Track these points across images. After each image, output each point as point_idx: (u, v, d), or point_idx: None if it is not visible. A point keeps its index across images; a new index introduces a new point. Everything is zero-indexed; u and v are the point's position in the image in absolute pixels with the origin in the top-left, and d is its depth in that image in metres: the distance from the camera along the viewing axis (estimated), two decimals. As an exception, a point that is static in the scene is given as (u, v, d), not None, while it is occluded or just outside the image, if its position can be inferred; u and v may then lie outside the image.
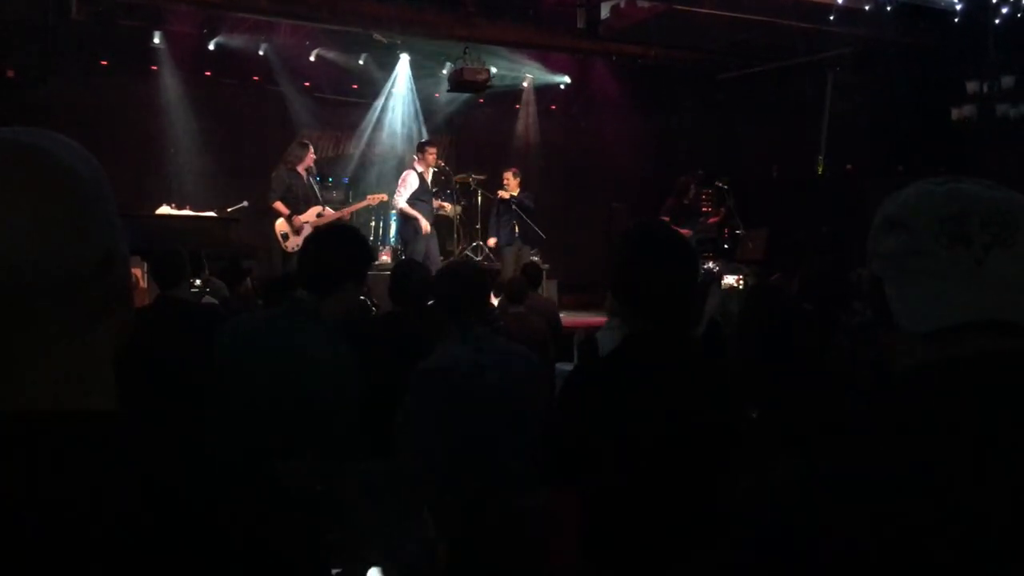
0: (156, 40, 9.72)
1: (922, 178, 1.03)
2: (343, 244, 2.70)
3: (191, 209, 8.20)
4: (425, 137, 10.15)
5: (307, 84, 10.80)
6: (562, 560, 2.03)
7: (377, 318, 4.63)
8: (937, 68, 9.14)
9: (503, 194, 9.07)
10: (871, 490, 0.88)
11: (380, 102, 11.07)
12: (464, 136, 11.94)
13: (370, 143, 11.27)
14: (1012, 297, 0.94)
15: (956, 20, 8.67)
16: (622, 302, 1.99)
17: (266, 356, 2.52)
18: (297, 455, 2.31)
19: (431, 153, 8.74)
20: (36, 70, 8.51)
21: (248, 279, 6.21)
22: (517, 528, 2.44)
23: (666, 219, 8.59)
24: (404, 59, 10.94)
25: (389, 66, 10.98)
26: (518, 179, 9.17)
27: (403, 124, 11.14)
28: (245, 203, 8.39)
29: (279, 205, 7.84)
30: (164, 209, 8.02)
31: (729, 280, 4.91)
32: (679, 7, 8.56)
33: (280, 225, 7.86)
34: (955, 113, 8.97)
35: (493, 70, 10.40)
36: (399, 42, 10.25)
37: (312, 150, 8.33)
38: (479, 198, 9.69)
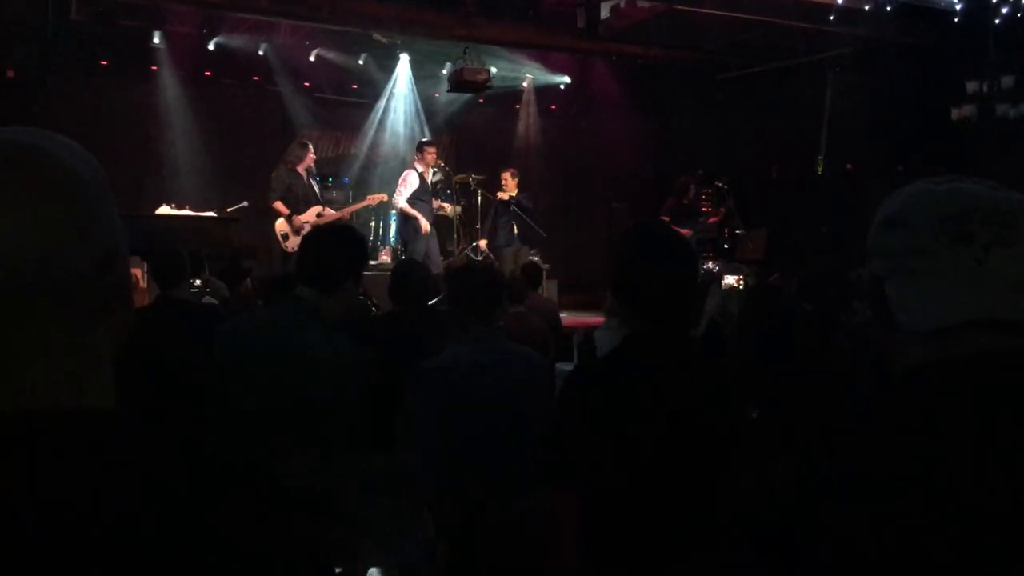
0: (156, 40, 9.71)
1: (922, 178, 1.03)
2: (344, 243, 2.70)
3: (191, 209, 8.20)
4: (427, 137, 10.16)
5: (307, 84, 10.80)
6: (562, 560, 2.03)
7: (377, 318, 4.63)
8: (937, 68, 9.13)
9: (502, 196, 9.08)
10: (871, 490, 0.88)
11: (382, 103, 11.07)
12: (464, 136, 11.94)
13: (371, 144, 11.28)
14: (1012, 296, 0.94)
15: (956, 20, 8.67)
16: (622, 302, 1.99)
17: (267, 355, 2.51)
18: (298, 454, 2.31)
19: (430, 152, 8.74)
20: (36, 70, 8.50)
21: (248, 279, 6.21)
22: (517, 529, 2.44)
23: (666, 219, 8.59)
24: (404, 59, 10.94)
25: (389, 66, 10.98)
26: (516, 179, 9.17)
27: (405, 124, 11.14)
28: (245, 203, 8.39)
29: (279, 205, 7.84)
30: (164, 209, 8.02)
31: (729, 280, 4.91)
32: (679, 7, 8.56)
33: (280, 225, 7.86)
34: (955, 113, 8.97)
35: (493, 70, 10.40)
36: (399, 42, 10.25)
37: (312, 150, 8.33)
38: (479, 198, 9.69)
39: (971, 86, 8.87)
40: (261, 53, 10.20)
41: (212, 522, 0.73)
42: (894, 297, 0.99)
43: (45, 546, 0.66)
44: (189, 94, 10.04)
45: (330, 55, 10.49)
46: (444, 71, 10.73)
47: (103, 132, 8.55)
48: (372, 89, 11.14)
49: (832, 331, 3.82)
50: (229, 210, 8.33)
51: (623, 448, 1.82)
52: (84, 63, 9.15)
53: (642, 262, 1.95)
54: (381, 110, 11.10)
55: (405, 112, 11.15)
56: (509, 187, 9.10)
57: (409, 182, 8.53)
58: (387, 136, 11.17)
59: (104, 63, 9.54)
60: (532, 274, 6.59)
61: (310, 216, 7.89)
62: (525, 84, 11.97)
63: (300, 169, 8.01)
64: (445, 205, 9.31)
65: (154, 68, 9.89)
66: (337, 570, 2.20)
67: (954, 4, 8.64)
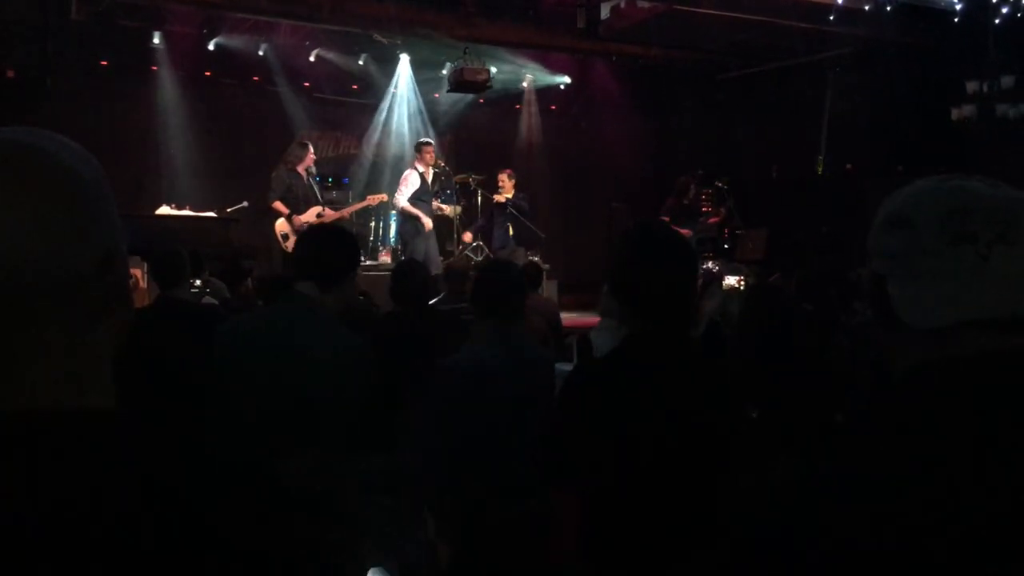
0: (156, 40, 9.72)
1: (923, 177, 1.03)
2: (340, 239, 2.74)
3: (191, 209, 8.20)
4: (430, 136, 10.17)
5: (307, 84, 10.80)
6: (562, 560, 2.03)
7: (377, 318, 4.62)
8: (937, 68, 9.13)
9: (499, 197, 9.07)
10: (871, 490, 0.88)
11: (385, 103, 11.08)
12: (464, 136, 11.94)
13: (377, 144, 11.29)
14: (1014, 295, 0.94)
15: (956, 20, 8.67)
16: (622, 302, 1.99)
17: (269, 353, 2.51)
18: (298, 454, 2.31)
19: (429, 152, 8.75)
20: (36, 70, 8.50)
21: (248, 279, 6.21)
22: (519, 530, 2.44)
23: (666, 219, 8.59)
24: (404, 59, 10.94)
25: (389, 67, 10.98)
26: (513, 181, 9.17)
27: (409, 125, 11.14)
28: (245, 203, 8.39)
29: (278, 205, 7.85)
30: (164, 209, 8.02)
31: (730, 280, 4.91)
32: (679, 7, 8.56)
33: (280, 225, 7.86)
34: (955, 113, 8.96)
35: (493, 70, 10.40)
36: (399, 42, 10.25)
37: (312, 150, 8.34)
38: (479, 198, 9.69)
39: (971, 86, 8.86)
40: (261, 53, 10.20)
41: (212, 522, 0.73)
42: (896, 296, 0.99)
43: (45, 546, 0.66)
44: (189, 94, 10.03)
45: (330, 55, 10.49)
46: (444, 71, 10.73)
47: (103, 132, 8.56)
48: (372, 89, 11.13)
49: (832, 331, 3.81)
50: (229, 210, 8.33)
51: (623, 448, 1.82)
52: (84, 63, 9.15)
53: (642, 262, 1.95)
54: (385, 111, 11.10)
55: (408, 112, 11.15)
56: (506, 188, 9.09)
57: (410, 182, 8.53)
58: (391, 137, 11.17)
59: (104, 63, 9.54)
60: (532, 274, 6.58)
61: (310, 216, 7.89)
62: (525, 84, 11.97)
63: (300, 169, 8.01)
64: (443, 207, 9.30)
65: (154, 68, 9.89)
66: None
67: (954, 4, 8.64)
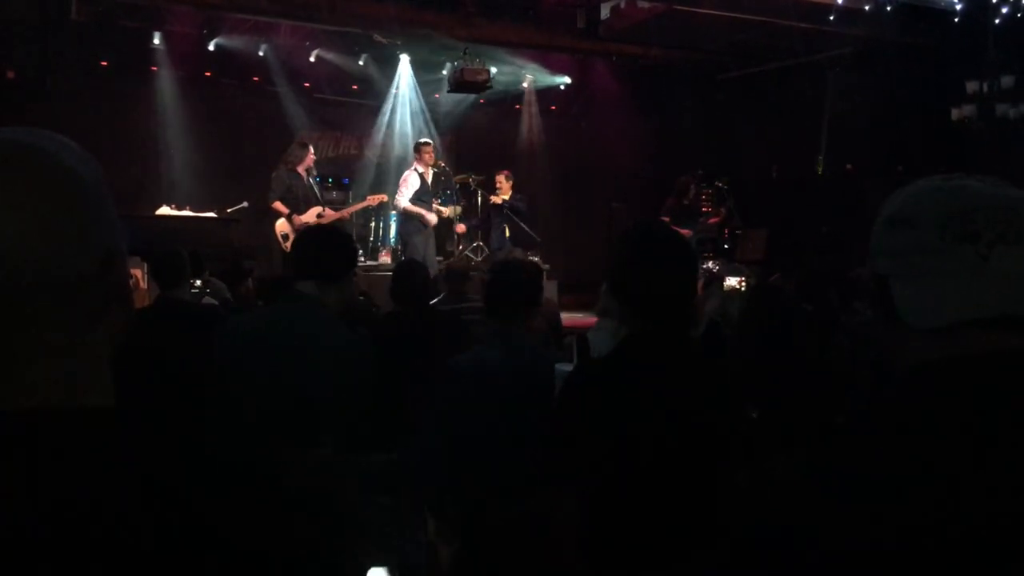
0: (156, 41, 9.71)
1: (924, 177, 1.03)
2: (339, 238, 2.79)
3: (191, 210, 8.19)
4: (430, 137, 10.18)
5: (307, 85, 10.79)
6: (562, 561, 2.03)
7: (378, 318, 4.62)
8: (937, 68, 9.13)
9: (495, 199, 9.07)
10: (871, 490, 0.88)
11: (388, 104, 11.08)
12: (464, 137, 11.94)
13: (376, 145, 11.28)
14: (1017, 293, 0.94)
15: (956, 20, 8.67)
16: (622, 302, 1.99)
17: (272, 351, 2.52)
18: (299, 453, 2.32)
19: (428, 152, 8.75)
20: (36, 71, 8.50)
21: (249, 279, 6.20)
22: (519, 530, 2.44)
23: (666, 219, 8.59)
24: (404, 60, 10.94)
25: (389, 67, 10.98)
26: (510, 182, 9.17)
27: (412, 125, 11.13)
28: (245, 204, 8.39)
29: (278, 205, 7.85)
30: (164, 210, 8.02)
31: (731, 282, 4.90)
32: (679, 7, 8.56)
33: (281, 225, 7.86)
34: (955, 113, 8.96)
35: (493, 70, 10.40)
36: (399, 43, 10.25)
37: (312, 151, 8.34)
38: (479, 198, 9.69)
39: (971, 86, 8.86)
40: (261, 54, 10.20)
41: (212, 522, 0.73)
42: (897, 296, 0.99)
43: (45, 546, 0.66)
44: (189, 95, 10.03)
45: (330, 56, 10.49)
46: (444, 72, 10.72)
47: (103, 133, 8.55)
48: (372, 90, 11.13)
49: (832, 331, 3.81)
50: (229, 211, 8.33)
51: (623, 448, 1.82)
52: (84, 64, 9.15)
53: (642, 262, 1.95)
54: (388, 112, 11.10)
55: (411, 113, 11.15)
56: (503, 189, 9.09)
57: (410, 183, 8.54)
58: (393, 138, 11.17)
59: (104, 64, 9.54)
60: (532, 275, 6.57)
61: (310, 216, 7.89)
62: (525, 85, 11.97)
63: (300, 169, 8.01)
64: (443, 209, 9.31)
65: (154, 69, 9.89)
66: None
67: (954, 4, 8.64)
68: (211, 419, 2.52)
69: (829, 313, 4.04)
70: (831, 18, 8.77)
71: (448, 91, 10.52)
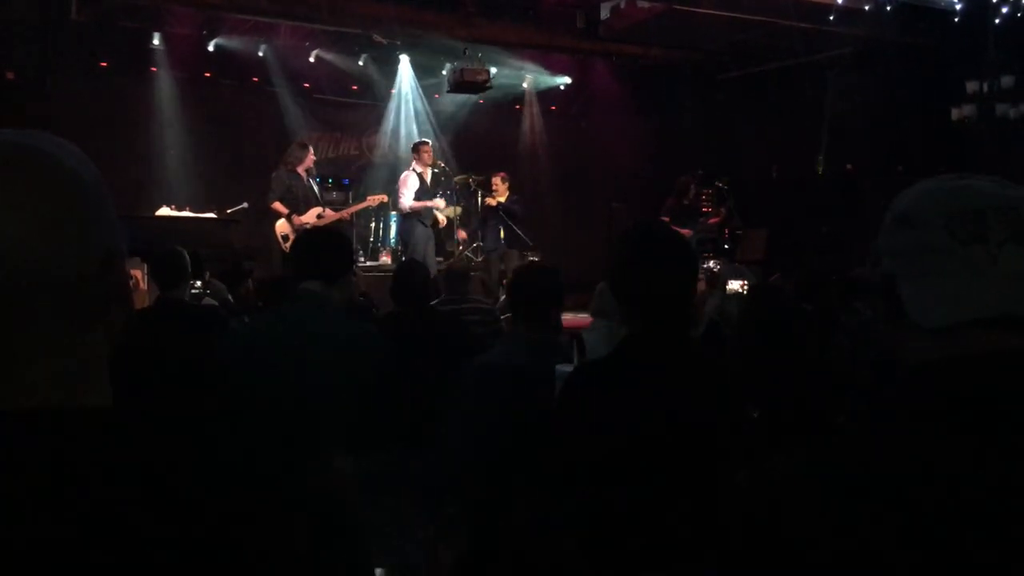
0: (156, 41, 9.71)
1: (922, 178, 1.04)
2: (337, 239, 2.87)
3: (191, 210, 8.19)
4: (431, 137, 10.19)
5: (307, 85, 10.79)
6: (562, 561, 2.03)
7: (377, 318, 4.63)
8: (937, 68, 9.13)
9: (491, 201, 9.08)
10: (872, 490, 0.88)
11: (392, 105, 11.08)
12: (464, 137, 11.94)
13: (380, 146, 11.29)
14: None
15: (956, 20, 8.66)
16: (622, 302, 1.99)
17: (287, 349, 2.55)
18: (312, 453, 2.33)
19: (427, 152, 8.77)
20: (36, 71, 8.50)
21: (249, 280, 6.21)
22: (519, 530, 2.44)
23: (666, 219, 8.59)
24: (404, 60, 10.95)
25: (389, 68, 10.98)
26: (507, 184, 9.17)
27: (415, 125, 11.13)
28: (245, 204, 8.39)
29: (278, 206, 7.85)
30: (164, 210, 8.02)
31: (733, 285, 4.89)
32: (679, 7, 8.56)
33: (281, 226, 7.86)
34: (955, 113, 8.95)
35: (493, 70, 10.40)
36: (399, 43, 10.25)
37: (312, 151, 8.34)
38: (479, 199, 9.69)
39: (971, 86, 8.85)
40: (261, 54, 10.20)
41: (212, 522, 0.73)
42: (907, 295, 0.99)
43: (45, 546, 0.66)
44: (189, 95, 10.03)
45: (330, 56, 10.49)
46: (444, 72, 10.73)
47: (103, 133, 8.54)
48: (372, 90, 11.13)
49: (832, 331, 3.81)
50: (229, 211, 8.33)
51: (623, 448, 1.82)
52: (84, 64, 9.15)
53: (642, 262, 1.95)
54: (393, 113, 11.10)
55: (413, 113, 11.15)
56: (499, 192, 9.09)
57: (409, 183, 8.55)
58: (396, 138, 11.17)
59: (104, 64, 9.54)
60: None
61: (311, 217, 7.89)
62: (525, 85, 11.97)
63: (300, 170, 8.01)
64: (441, 210, 9.32)
65: (154, 69, 9.89)
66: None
67: (954, 4, 8.64)
68: (222, 420, 2.52)
69: (829, 313, 4.04)
70: (831, 18, 8.76)
71: (448, 91, 10.53)
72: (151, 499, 0.70)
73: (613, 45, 10.23)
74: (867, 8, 8.67)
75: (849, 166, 10.27)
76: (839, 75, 9.98)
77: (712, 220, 10.00)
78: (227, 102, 10.40)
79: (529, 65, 11.30)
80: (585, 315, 8.84)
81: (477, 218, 9.56)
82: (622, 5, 9.29)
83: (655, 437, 1.81)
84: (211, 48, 9.91)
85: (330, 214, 8.27)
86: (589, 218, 11.72)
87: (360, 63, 10.73)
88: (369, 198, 8.94)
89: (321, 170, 9.44)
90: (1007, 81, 8.71)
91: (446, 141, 11.27)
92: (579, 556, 1.89)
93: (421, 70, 11.09)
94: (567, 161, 12.16)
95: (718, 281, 5.29)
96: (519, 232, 8.97)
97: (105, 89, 9.48)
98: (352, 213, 9.03)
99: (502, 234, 9.04)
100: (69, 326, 0.76)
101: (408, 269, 4.18)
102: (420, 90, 11.15)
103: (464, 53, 9.77)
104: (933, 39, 9.03)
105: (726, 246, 9.99)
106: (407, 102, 11.13)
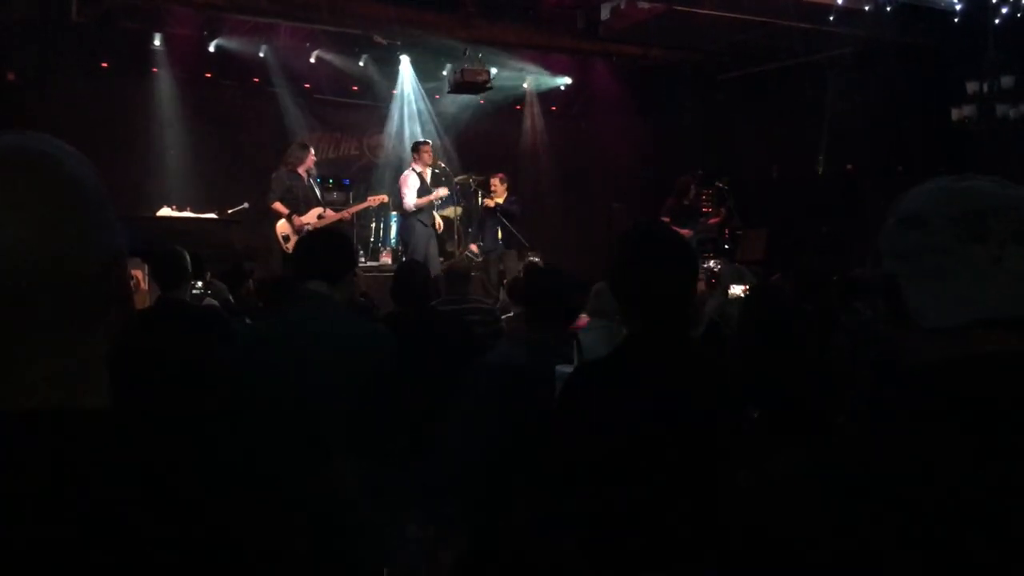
0: (156, 42, 9.71)
1: (922, 178, 1.04)
2: (339, 239, 2.90)
3: (191, 211, 8.20)
4: (433, 137, 10.19)
5: (307, 86, 10.79)
6: (562, 561, 2.03)
7: (378, 318, 4.63)
8: (937, 68, 9.13)
9: (489, 202, 9.09)
10: (872, 490, 0.88)
11: (395, 105, 11.09)
12: (464, 137, 11.94)
13: (381, 147, 11.29)
14: None
15: (956, 20, 8.66)
16: (622, 302, 1.99)
17: (295, 350, 2.55)
18: (316, 455, 2.34)
19: (427, 152, 8.77)
20: (36, 72, 8.50)
21: (249, 281, 6.21)
22: (520, 531, 2.44)
23: (666, 219, 8.59)
24: (405, 61, 10.95)
25: (389, 68, 10.98)
26: (505, 185, 9.18)
27: (416, 125, 11.13)
28: (245, 205, 8.39)
29: (278, 206, 7.85)
30: (164, 211, 8.02)
31: (735, 290, 4.89)
32: (679, 7, 8.55)
33: (281, 227, 7.86)
34: (955, 113, 8.94)
35: (493, 71, 10.40)
36: (399, 44, 10.25)
37: (312, 152, 8.34)
38: (479, 199, 9.69)
39: (971, 86, 8.84)
40: (261, 55, 10.19)
41: (212, 522, 0.73)
42: (910, 296, 0.99)
43: (45, 546, 0.66)
44: (189, 96, 10.02)
45: (330, 57, 10.48)
46: (444, 72, 10.73)
47: (103, 134, 8.54)
48: (372, 91, 11.13)
49: (832, 331, 3.81)
50: (230, 212, 8.33)
51: (624, 448, 1.82)
52: (84, 65, 9.14)
53: (642, 262, 1.95)
54: (396, 113, 11.10)
55: (415, 113, 11.15)
56: (498, 192, 9.10)
57: (410, 182, 8.56)
58: (397, 138, 11.17)
59: (104, 65, 9.53)
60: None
61: (311, 217, 7.89)
62: (525, 85, 11.97)
63: (300, 171, 8.01)
64: (443, 208, 9.31)
65: (154, 70, 9.88)
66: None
67: (954, 4, 8.63)
68: (223, 421, 2.52)
69: (829, 313, 4.04)
70: (831, 18, 8.76)
71: (448, 92, 10.53)
72: (151, 499, 0.70)
73: (613, 45, 10.23)
74: (867, 8, 8.66)
75: (849, 166, 10.26)
76: (839, 75, 9.97)
77: (712, 220, 10.00)
78: (227, 103, 10.40)
79: (529, 66, 11.30)
80: (586, 315, 8.83)
81: (477, 221, 9.57)
82: (622, 5, 9.28)
83: (655, 437, 1.81)
84: (212, 49, 9.90)
85: (331, 214, 8.27)
86: (589, 218, 11.73)
87: (360, 64, 10.73)
88: (370, 198, 8.95)
89: (321, 170, 9.44)
90: (1007, 81, 8.70)
91: (446, 142, 11.27)
92: (579, 556, 1.89)
93: (422, 72, 11.09)
94: (567, 161, 12.16)
95: (719, 283, 5.29)
96: (516, 234, 8.98)
97: (106, 90, 9.47)
98: (353, 213, 9.04)
99: (500, 235, 9.05)
100: (69, 326, 0.76)
101: (408, 269, 4.18)
102: (422, 91, 11.15)
103: (464, 54, 9.77)
104: (933, 39, 9.03)
105: (726, 246, 9.99)
106: (409, 103, 11.13)
